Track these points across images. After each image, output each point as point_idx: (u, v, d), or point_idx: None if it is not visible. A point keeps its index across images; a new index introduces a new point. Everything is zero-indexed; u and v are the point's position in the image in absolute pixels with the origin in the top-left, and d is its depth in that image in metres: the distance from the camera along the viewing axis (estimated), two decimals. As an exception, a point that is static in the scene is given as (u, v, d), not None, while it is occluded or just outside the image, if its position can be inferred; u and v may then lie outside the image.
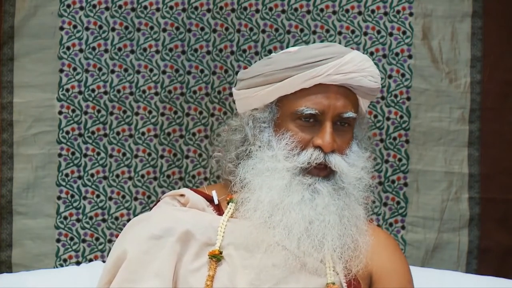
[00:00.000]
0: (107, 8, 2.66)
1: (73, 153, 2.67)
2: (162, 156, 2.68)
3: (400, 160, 2.68)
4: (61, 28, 2.66)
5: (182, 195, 1.89)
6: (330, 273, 1.79)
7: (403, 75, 2.68)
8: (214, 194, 1.89)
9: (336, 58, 1.82)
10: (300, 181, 1.79)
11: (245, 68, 2.62)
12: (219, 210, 1.87)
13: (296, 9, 2.67)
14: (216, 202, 1.88)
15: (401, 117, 2.68)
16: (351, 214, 1.80)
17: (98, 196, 2.68)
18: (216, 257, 1.78)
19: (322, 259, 1.79)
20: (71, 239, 2.68)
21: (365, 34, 2.68)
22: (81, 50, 2.67)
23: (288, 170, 1.79)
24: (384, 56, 2.67)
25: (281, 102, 1.85)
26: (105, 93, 2.67)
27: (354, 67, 1.82)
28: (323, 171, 1.80)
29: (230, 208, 1.85)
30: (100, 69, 2.67)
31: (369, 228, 1.88)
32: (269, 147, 1.83)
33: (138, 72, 2.67)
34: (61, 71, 2.67)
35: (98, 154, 2.68)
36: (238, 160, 1.87)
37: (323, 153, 1.79)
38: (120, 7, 2.66)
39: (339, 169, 1.80)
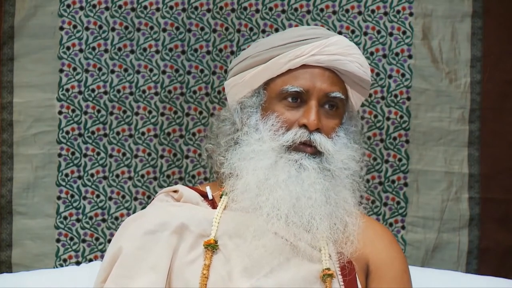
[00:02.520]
0: (107, 8, 2.66)
1: (73, 153, 2.67)
2: (162, 156, 2.68)
3: (400, 160, 2.68)
4: (61, 28, 2.66)
5: (175, 191, 1.91)
6: (326, 260, 1.79)
7: (403, 75, 2.68)
8: (208, 189, 1.90)
9: (321, 39, 1.84)
10: (286, 158, 1.80)
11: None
12: (213, 205, 1.88)
13: (296, 9, 2.67)
14: (210, 197, 1.89)
15: (401, 117, 2.68)
16: (338, 196, 1.80)
17: (98, 196, 2.68)
18: (211, 246, 1.78)
19: (317, 245, 1.80)
20: (71, 239, 2.68)
21: (365, 34, 2.68)
22: (81, 50, 2.67)
23: (274, 150, 1.80)
24: (384, 56, 2.67)
25: (268, 85, 1.86)
26: (105, 93, 2.67)
27: (340, 49, 1.84)
28: (309, 148, 1.81)
29: (223, 201, 1.85)
30: (100, 69, 2.67)
31: (364, 219, 1.89)
32: (256, 130, 1.84)
33: (138, 72, 2.67)
34: (61, 71, 2.67)
35: (98, 154, 2.68)
36: (227, 151, 1.87)
37: (308, 132, 1.80)
38: (120, 7, 2.66)
39: (325, 149, 1.80)
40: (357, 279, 1.82)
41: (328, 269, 1.78)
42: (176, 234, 1.80)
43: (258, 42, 1.91)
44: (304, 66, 1.83)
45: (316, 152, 1.81)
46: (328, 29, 2.66)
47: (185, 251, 1.79)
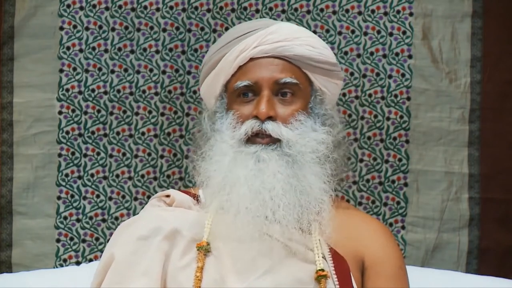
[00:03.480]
0: (107, 8, 2.66)
1: (73, 153, 2.67)
2: (162, 156, 2.68)
3: (400, 160, 2.68)
4: (61, 28, 2.66)
5: (167, 196, 1.91)
6: (319, 260, 1.79)
7: (403, 75, 2.68)
8: (200, 192, 1.91)
9: (260, 30, 1.85)
10: (243, 152, 1.80)
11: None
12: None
13: (296, 9, 2.67)
14: (203, 200, 1.89)
15: (401, 117, 2.68)
16: (303, 183, 1.79)
17: (98, 196, 2.68)
18: (204, 248, 1.78)
19: (310, 245, 1.80)
20: (71, 239, 2.68)
21: (365, 34, 2.68)
22: (81, 50, 2.67)
23: (232, 146, 1.81)
24: (384, 56, 2.67)
25: (226, 87, 1.88)
26: (105, 93, 2.67)
27: (283, 36, 1.84)
28: (265, 139, 1.80)
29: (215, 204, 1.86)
30: (100, 69, 2.67)
31: (358, 214, 1.91)
32: (220, 133, 1.85)
33: (138, 72, 2.67)
34: (61, 71, 2.67)
35: (98, 154, 2.68)
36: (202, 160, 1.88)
37: (260, 121, 1.80)
38: (120, 7, 2.66)
39: (281, 135, 1.80)
40: (352, 278, 1.82)
41: (322, 270, 1.78)
42: (168, 239, 1.80)
43: (210, 47, 1.94)
44: (251, 59, 1.84)
45: (273, 141, 1.80)
46: (328, 29, 2.67)
47: (178, 256, 1.79)
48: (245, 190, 1.77)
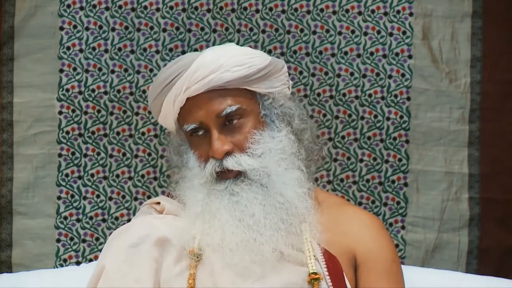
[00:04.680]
0: (107, 8, 2.66)
1: (73, 153, 2.67)
2: (162, 156, 2.68)
3: (400, 160, 2.68)
4: (61, 28, 2.66)
5: (158, 203, 1.91)
6: (311, 262, 1.79)
7: (403, 75, 2.68)
8: None
9: (185, 71, 1.84)
10: (215, 190, 1.82)
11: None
12: None
13: (296, 9, 2.67)
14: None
15: (401, 117, 2.68)
16: (279, 200, 1.80)
17: (98, 196, 2.68)
18: (195, 255, 1.78)
19: (302, 247, 1.80)
20: (71, 239, 2.68)
21: (365, 34, 2.68)
22: (81, 50, 2.67)
23: (202, 185, 1.83)
24: (384, 56, 2.67)
25: (179, 124, 1.89)
26: (105, 93, 2.67)
27: (207, 70, 1.83)
28: (231, 173, 1.82)
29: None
30: (100, 69, 2.67)
31: (349, 208, 1.91)
32: (188, 170, 1.87)
33: (138, 72, 2.67)
34: (61, 71, 2.67)
35: (98, 154, 2.68)
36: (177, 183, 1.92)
37: (219, 161, 1.81)
38: (120, 7, 2.66)
39: (243, 168, 1.81)
40: (345, 277, 1.81)
41: (315, 273, 1.78)
42: (158, 246, 1.80)
43: (148, 92, 1.94)
44: (189, 99, 1.84)
45: (239, 173, 1.82)
46: (328, 29, 2.67)
47: (171, 264, 1.79)
48: (227, 217, 1.79)
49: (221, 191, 1.81)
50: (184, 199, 1.86)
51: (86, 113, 2.67)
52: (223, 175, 1.82)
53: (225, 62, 1.84)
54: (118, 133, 2.68)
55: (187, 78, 1.83)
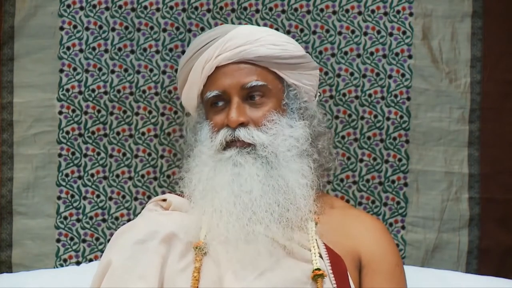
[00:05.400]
0: (107, 8, 2.66)
1: (73, 153, 2.67)
2: (162, 156, 2.68)
3: (400, 160, 2.68)
4: (61, 28, 2.66)
5: (164, 200, 1.92)
6: (316, 259, 1.79)
7: (403, 75, 2.68)
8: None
9: (220, 38, 1.86)
10: (221, 159, 1.82)
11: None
12: None
13: (296, 9, 2.67)
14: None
15: (401, 117, 2.68)
16: (279, 183, 1.80)
17: (98, 196, 2.68)
18: (201, 249, 1.78)
19: (307, 244, 1.80)
20: (71, 239, 2.68)
21: (365, 34, 2.68)
22: (81, 50, 2.67)
23: (211, 156, 1.84)
24: (384, 56, 2.67)
25: (202, 98, 1.90)
26: (105, 93, 2.67)
27: (242, 40, 1.85)
28: (239, 142, 1.82)
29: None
30: (100, 69, 2.67)
31: (353, 212, 1.92)
32: (200, 143, 1.88)
33: (138, 72, 2.67)
34: (61, 71, 2.67)
35: (98, 154, 2.68)
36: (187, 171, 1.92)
37: (232, 130, 1.82)
38: (120, 7, 2.66)
39: (254, 140, 1.82)
40: (349, 277, 1.82)
41: (319, 269, 1.78)
42: (165, 243, 1.80)
43: (180, 60, 1.96)
44: (217, 68, 1.86)
45: (248, 144, 1.82)
46: (328, 29, 2.67)
47: (175, 259, 1.79)
48: (226, 194, 1.79)
49: (225, 160, 1.81)
50: (191, 182, 1.86)
51: (86, 113, 2.67)
52: (232, 144, 1.83)
53: (262, 37, 1.86)
54: (118, 133, 2.68)
55: (221, 44, 1.85)
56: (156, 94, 2.67)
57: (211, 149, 1.84)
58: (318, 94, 1.99)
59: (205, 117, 1.90)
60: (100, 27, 2.67)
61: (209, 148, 1.85)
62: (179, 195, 1.92)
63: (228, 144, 1.83)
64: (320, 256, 1.81)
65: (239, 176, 1.80)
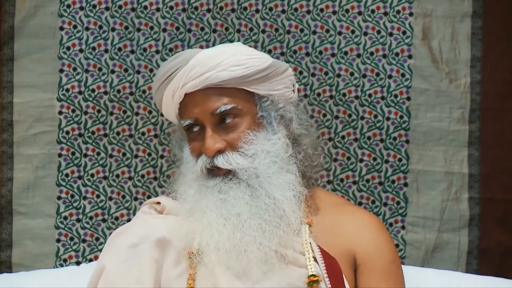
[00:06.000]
0: (107, 8, 2.66)
1: (73, 153, 2.67)
2: (162, 156, 2.68)
3: (400, 160, 2.68)
4: (61, 28, 2.66)
5: (158, 203, 1.91)
6: (310, 265, 1.79)
7: (403, 75, 2.68)
8: None
9: (182, 67, 1.85)
10: (205, 186, 1.83)
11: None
12: None
13: (296, 9, 2.67)
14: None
15: (401, 117, 2.68)
16: (265, 202, 1.80)
17: (98, 196, 2.68)
18: (195, 256, 1.78)
19: (302, 249, 1.80)
20: (71, 239, 2.68)
21: (365, 34, 2.68)
22: (81, 50, 2.67)
23: (194, 180, 1.84)
24: (384, 56, 2.67)
25: (179, 121, 1.91)
26: (105, 93, 2.67)
27: (203, 68, 1.83)
28: (221, 171, 1.82)
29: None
30: (100, 69, 2.67)
31: (349, 208, 1.91)
32: (184, 163, 1.89)
33: (138, 72, 2.67)
34: (61, 71, 2.67)
35: (98, 154, 2.68)
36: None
37: (210, 158, 1.82)
38: (120, 7, 2.66)
39: (233, 167, 1.81)
40: (344, 279, 1.81)
41: (314, 275, 1.78)
42: (158, 247, 1.80)
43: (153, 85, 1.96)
44: (186, 95, 1.85)
45: (229, 171, 1.82)
46: (328, 29, 2.67)
47: (171, 265, 1.79)
48: (215, 216, 1.79)
49: (211, 188, 1.82)
50: (178, 195, 1.87)
51: (86, 113, 2.67)
52: (214, 172, 1.83)
53: (223, 60, 1.84)
54: (118, 133, 2.67)
55: (184, 74, 1.84)
56: (156, 94, 2.67)
57: (194, 173, 1.85)
58: (297, 87, 1.96)
59: (186, 139, 1.90)
60: (100, 27, 2.67)
61: (192, 172, 1.85)
62: (173, 197, 1.91)
63: (210, 172, 1.83)
64: (315, 260, 1.80)
65: (226, 202, 1.80)
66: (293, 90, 1.94)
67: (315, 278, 1.77)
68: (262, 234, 1.78)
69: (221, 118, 1.83)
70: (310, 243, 1.81)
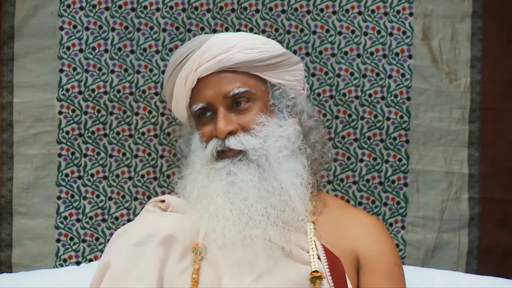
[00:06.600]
0: (107, 8, 2.66)
1: (73, 153, 2.67)
2: (162, 156, 2.68)
3: (400, 160, 2.68)
4: (61, 28, 2.66)
5: (162, 201, 1.92)
6: (314, 261, 1.79)
7: (403, 75, 2.68)
8: None
9: (196, 50, 1.86)
10: (214, 169, 1.83)
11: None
12: None
13: (296, 9, 2.67)
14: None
15: (401, 117, 2.68)
16: (273, 185, 1.81)
17: (98, 196, 2.68)
18: (199, 250, 1.78)
19: (306, 246, 1.80)
20: (71, 239, 2.68)
21: (365, 34, 2.68)
22: (81, 50, 2.67)
23: (203, 165, 1.85)
24: (384, 56, 2.68)
25: (190, 109, 1.91)
26: (105, 93, 2.67)
27: (218, 49, 1.85)
28: (232, 152, 1.83)
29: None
30: (100, 69, 2.67)
31: (351, 211, 1.92)
32: (193, 152, 1.90)
33: (138, 72, 2.67)
34: (61, 71, 2.67)
35: (98, 154, 2.68)
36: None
37: (222, 140, 1.83)
38: (120, 7, 2.66)
39: (244, 147, 1.82)
40: (347, 278, 1.82)
41: (316, 271, 1.78)
42: (164, 245, 1.80)
43: (163, 76, 1.98)
44: (199, 80, 1.87)
45: (239, 152, 1.83)
46: (328, 29, 2.67)
47: (174, 262, 1.79)
48: (221, 201, 1.80)
49: (219, 170, 1.83)
50: (184, 188, 1.87)
51: (86, 113, 2.67)
52: (224, 154, 1.84)
53: (238, 43, 1.86)
54: (118, 133, 2.68)
55: (198, 57, 1.85)
56: (156, 94, 2.67)
57: (203, 158, 1.85)
58: (307, 86, 1.99)
59: (196, 128, 1.91)
60: (100, 27, 2.67)
61: (201, 158, 1.86)
62: (177, 195, 1.92)
63: (220, 154, 1.84)
64: (319, 258, 1.81)
65: (234, 185, 1.81)
66: (303, 87, 1.96)
67: (318, 274, 1.78)
68: (267, 218, 1.79)
69: (234, 102, 1.85)
70: (314, 241, 1.81)
